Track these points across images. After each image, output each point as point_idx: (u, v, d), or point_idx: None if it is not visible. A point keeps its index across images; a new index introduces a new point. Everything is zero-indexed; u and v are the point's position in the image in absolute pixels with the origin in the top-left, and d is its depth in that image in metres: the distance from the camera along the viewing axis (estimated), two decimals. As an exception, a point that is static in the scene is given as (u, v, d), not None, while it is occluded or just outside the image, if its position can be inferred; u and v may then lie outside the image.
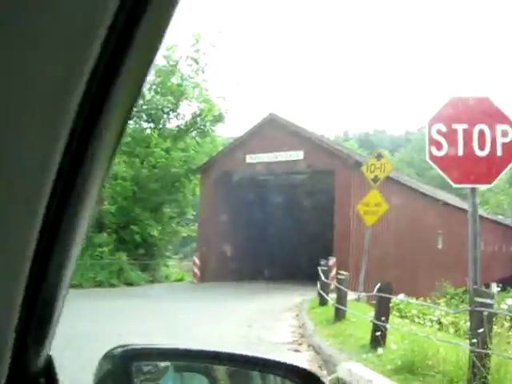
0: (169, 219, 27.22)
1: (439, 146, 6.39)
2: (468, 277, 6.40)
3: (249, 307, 15.09)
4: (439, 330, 7.21)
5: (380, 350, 8.04)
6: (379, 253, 22.95)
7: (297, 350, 9.42)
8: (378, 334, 8.39)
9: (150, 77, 26.83)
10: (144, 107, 25.98)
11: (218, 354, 1.97)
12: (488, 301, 5.92)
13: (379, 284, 8.78)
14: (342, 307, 11.39)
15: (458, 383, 6.11)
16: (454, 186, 6.68)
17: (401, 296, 7.60)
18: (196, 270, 24.34)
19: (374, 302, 18.40)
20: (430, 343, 7.08)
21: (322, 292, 14.28)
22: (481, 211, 38.27)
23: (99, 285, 20.82)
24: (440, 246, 32.20)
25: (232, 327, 11.72)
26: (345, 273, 11.83)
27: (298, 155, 22.66)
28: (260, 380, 1.93)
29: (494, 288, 46.12)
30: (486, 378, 5.67)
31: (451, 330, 7.21)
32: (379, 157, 18.47)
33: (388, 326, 8.11)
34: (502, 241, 50.64)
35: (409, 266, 26.72)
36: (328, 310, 12.97)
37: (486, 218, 46.38)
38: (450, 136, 6.39)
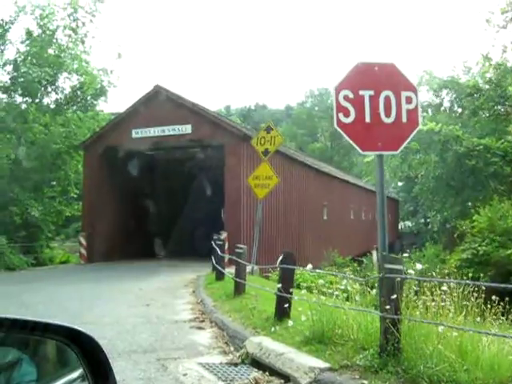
0: (50, 199, 25.89)
1: (346, 113, 6.28)
2: (377, 244, 6.40)
3: (143, 286, 14.63)
4: (347, 299, 7.18)
5: (287, 323, 7.96)
6: (269, 225, 23.18)
7: (200, 328, 9.17)
8: (283, 306, 8.31)
9: (25, 47, 25.14)
10: (20, 80, 24.27)
11: None
12: (398, 267, 5.95)
13: (282, 255, 8.65)
14: (242, 281, 11.23)
15: (369, 349, 6.11)
16: (363, 152, 6.61)
17: (309, 266, 7.48)
18: (83, 251, 23.30)
19: (267, 274, 18.60)
20: (338, 312, 7.06)
21: (218, 266, 14.05)
22: (361, 183, 40.04)
23: (-24, 272, 19.42)
24: (325, 217, 33.09)
25: (129, 307, 11.28)
26: (243, 246, 11.68)
27: (186, 129, 22.15)
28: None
29: (374, 255, 48.10)
30: (398, 342, 5.71)
31: (357, 298, 7.20)
32: (269, 129, 18.43)
33: (295, 297, 8.01)
34: (380, 210, 53.23)
35: (298, 238, 27.25)
36: (226, 285, 12.79)
37: (365, 189, 48.64)
38: (357, 102, 6.30)
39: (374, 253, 45.72)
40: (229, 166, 21.36)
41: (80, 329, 1.89)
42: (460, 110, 28.93)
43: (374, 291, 7.06)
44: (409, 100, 6.44)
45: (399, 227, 69.88)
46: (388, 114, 6.35)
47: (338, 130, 6.39)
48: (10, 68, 25.24)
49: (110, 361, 1.94)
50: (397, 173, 29.63)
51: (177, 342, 8.13)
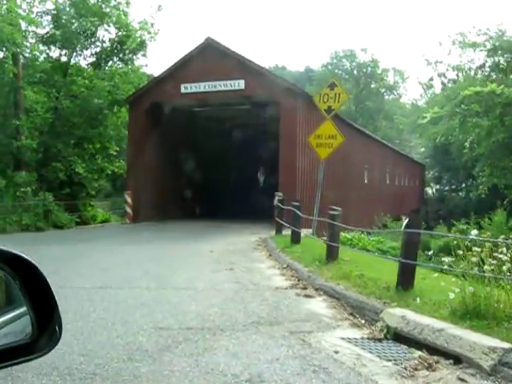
0: (91, 155, 25.07)
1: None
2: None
3: (209, 248, 13.89)
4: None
5: (415, 293, 7.22)
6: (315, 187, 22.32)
7: (308, 296, 8.38)
8: (409, 274, 7.55)
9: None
10: (60, 31, 23.07)
11: None
12: None
13: (407, 219, 7.80)
14: (336, 245, 10.42)
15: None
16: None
17: (474, 232, 6.57)
18: (128, 210, 22.57)
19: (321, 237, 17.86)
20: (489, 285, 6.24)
21: (295, 229, 13.22)
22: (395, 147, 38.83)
23: (26, 228, 18.72)
24: (366, 181, 32.21)
25: (213, 272, 10.52)
26: (338, 208, 10.79)
27: (239, 84, 21.07)
28: None
29: (405, 221, 47.74)
30: None
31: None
32: (332, 86, 17.48)
33: (448, 267, 7.14)
34: (412, 176, 52.49)
35: (344, 201, 26.35)
36: (309, 249, 12.04)
37: (400, 154, 47.67)
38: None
39: (404, 218, 45.33)
40: (284, 124, 20.37)
41: (25, 256, 1.71)
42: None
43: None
44: None
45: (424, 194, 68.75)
46: None
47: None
48: (49, 18, 24.20)
49: (55, 296, 1.74)
50: (449, 137, 28.52)
51: (295, 312, 7.35)
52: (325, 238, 18.31)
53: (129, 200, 22.43)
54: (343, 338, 6.18)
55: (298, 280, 9.58)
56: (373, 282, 8.29)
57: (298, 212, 13.18)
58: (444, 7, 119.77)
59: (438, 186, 74.48)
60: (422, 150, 70.34)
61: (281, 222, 15.36)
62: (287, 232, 15.64)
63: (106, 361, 5.05)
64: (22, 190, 19.84)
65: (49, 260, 11.74)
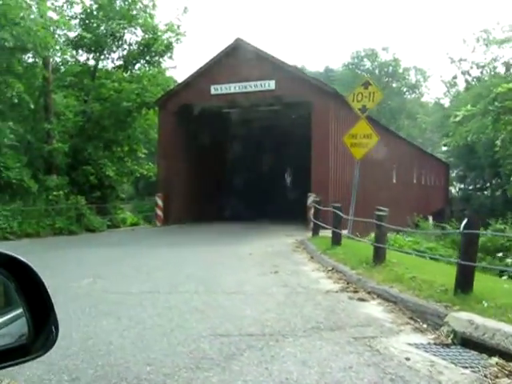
0: (119, 158, 25.02)
1: None
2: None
3: (248, 250, 13.73)
4: None
5: (475, 296, 6.97)
6: (348, 188, 22.05)
7: (361, 299, 8.15)
8: (468, 276, 7.31)
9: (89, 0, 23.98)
10: (89, 35, 23.01)
11: None
12: None
13: (466, 219, 7.54)
14: (383, 246, 10.17)
15: None
16: None
17: None
18: (159, 213, 22.49)
19: (359, 238, 17.63)
20: None
21: (336, 230, 12.96)
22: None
23: (59, 232, 18.74)
24: (394, 181, 31.84)
25: (259, 275, 10.33)
26: (384, 208, 10.55)
27: (270, 85, 20.89)
28: None
29: (431, 220, 46.88)
30: None
31: None
32: (366, 85, 17.23)
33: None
34: (436, 176, 52.00)
35: (375, 201, 26.04)
36: (350, 250, 11.82)
37: (425, 152, 47.21)
38: None
39: (430, 217, 44.87)
40: (316, 124, 20.14)
41: (21, 258, 1.71)
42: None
43: None
44: None
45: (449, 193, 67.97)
46: None
47: None
48: (76, 22, 24.19)
49: (51, 298, 1.77)
50: (479, 136, 28.08)
51: (353, 316, 7.13)
52: (362, 238, 18.20)
53: (159, 202, 22.35)
54: (410, 344, 5.95)
55: (347, 283, 9.37)
56: (428, 285, 8.05)
57: (339, 213, 12.91)
58: (467, 4, 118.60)
59: (461, 185, 73.71)
60: (445, 148, 69.62)
61: (318, 223, 15.14)
62: (323, 233, 15.47)
63: (173, 370, 4.87)
64: (55, 193, 19.92)
65: (88, 264, 11.71)
